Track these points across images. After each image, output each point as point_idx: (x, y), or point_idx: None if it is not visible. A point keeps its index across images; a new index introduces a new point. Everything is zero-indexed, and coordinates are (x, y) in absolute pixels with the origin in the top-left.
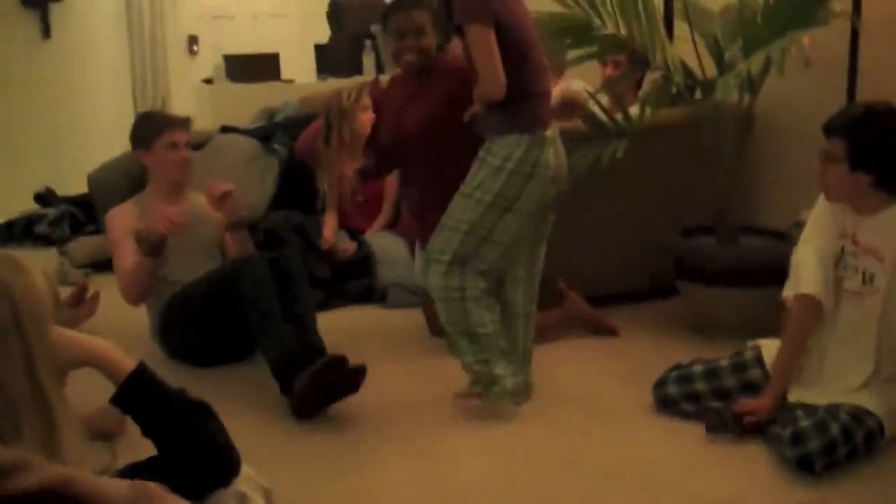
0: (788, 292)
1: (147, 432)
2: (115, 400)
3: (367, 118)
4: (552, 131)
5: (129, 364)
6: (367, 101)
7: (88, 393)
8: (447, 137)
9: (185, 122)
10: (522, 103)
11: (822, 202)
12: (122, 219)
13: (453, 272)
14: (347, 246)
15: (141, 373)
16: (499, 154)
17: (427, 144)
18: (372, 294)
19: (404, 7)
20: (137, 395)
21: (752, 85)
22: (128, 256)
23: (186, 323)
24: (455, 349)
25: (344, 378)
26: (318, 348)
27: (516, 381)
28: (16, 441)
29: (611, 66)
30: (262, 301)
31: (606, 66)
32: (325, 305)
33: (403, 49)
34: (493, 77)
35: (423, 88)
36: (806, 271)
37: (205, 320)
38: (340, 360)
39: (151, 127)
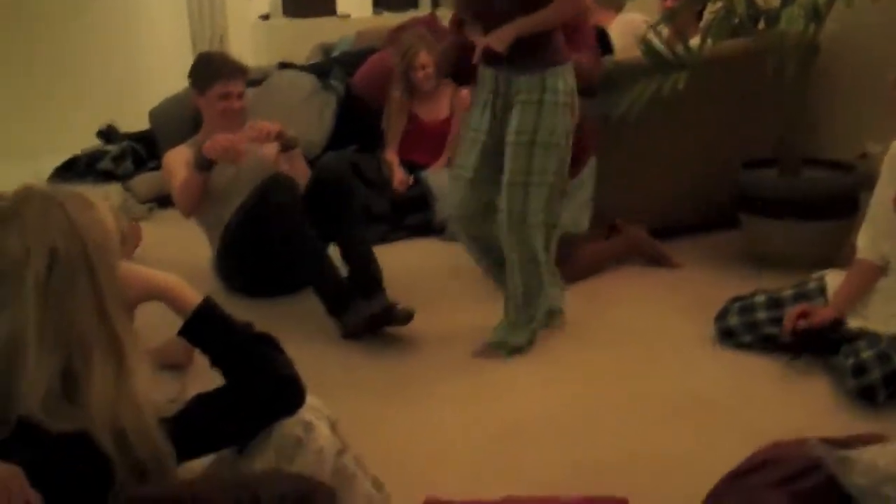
0: (859, 239)
1: (215, 363)
2: (183, 332)
3: (423, 75)
4: None
5: (196, 298)
6: (424, 58)
7: (157, 325)
8: None
9: (238, 73)
10: (557, 34)
11: (888, 155)
12: (177, 155)
13: (540, 234)
14: (405, 178)
15: (207, 306)
16: (560, 89)
17: None
18: (431, 228)
19: None
20: (204, 327)
21: (817, 15)
22: (179, 176)
23: (236, 253)
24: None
25: (391, 321)
26: (366, 276)
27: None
28: (86, 373)
29: None
30: (289, 222)
31: None
32: (384, 239)
33: None
34: None
35: None
36: (861, 235)
37: (250, 248)
38: (389, 309)
39: (206, 73)
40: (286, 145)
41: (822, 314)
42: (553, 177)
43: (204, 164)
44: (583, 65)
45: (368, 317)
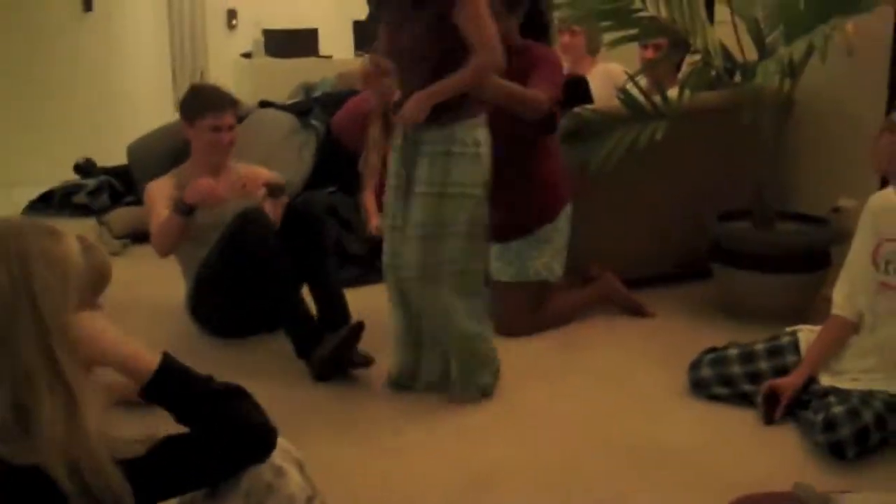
0: (835, 294)
1: (180, 421)
2: (144, 396)
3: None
4: None
5: (152, 361)
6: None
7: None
8: (514, 122)
9: (229, 106)
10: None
11: (866, 209)
12: (160, 188)
13: (467, 281)
14: (379, 222)
15: (165, 369)
16: (469, 141)
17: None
18: None
19: None
20: (164, 390)
21: (793, 70)
22: (160, 214)
23: (209, 291)
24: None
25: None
26: (334, 312)
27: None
28: (35, 408)
29: (651, 48)
30: (262, 253)
31: (647, 48)
32: (359, 281)
33: None
34: (497, 45)
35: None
36: (836, 291)
37: (223, 286)
38: (350, 335)
39: (197, 105)
40: (273, 192)
41: (791, 385)
42: (466, 226)
43: (183, 209)
44: (534, 96)
45: (332, 348)
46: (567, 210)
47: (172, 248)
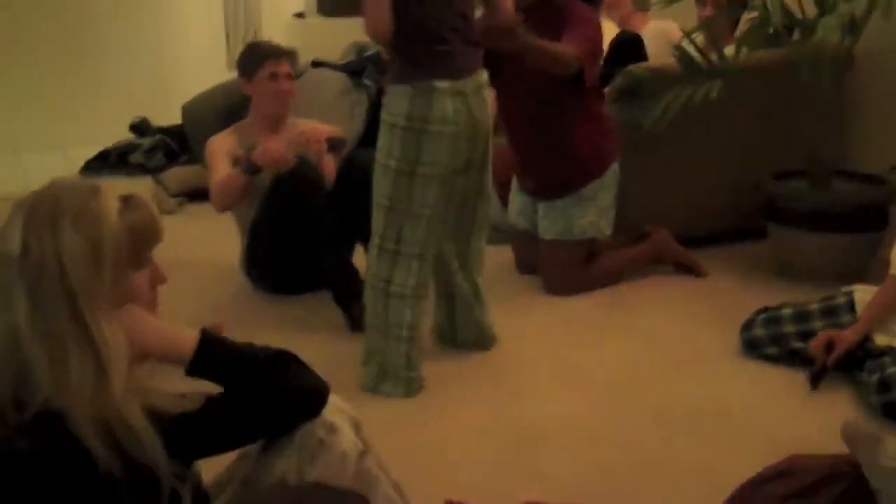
0: (893, 254)
1: (228, 392)
2: (190, 374)
3: None
4: (462, 82)
5: (191, 340)
6: None
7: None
8: (543, 81)
9: (286, 54)
10: (411, 48)
11: None
12: (222, 143)
13: (383, 259)
14: None
15: (205, 347)
16: (389, 109)
17: (532, 77)
18: None
19: None
20: (207, 366)
21: (854, 26)
22: (221, 170)
23: (262, 247)
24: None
25: None
26: None
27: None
28: (67, 366)
29: (710, 6)
30: (311, 213)
31: (705, 5)
32: None
33: None
34: (375, 13)
35: (541, 25)
36: (894, 251)
37: (276, 240)
38: None
39: (254, 57)
40: (334, 146)
41: (845, 341)
42: (385, 200)
43: (251, 170)
44: (564, 51)
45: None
46: (614, 168)
47: (232, 205)
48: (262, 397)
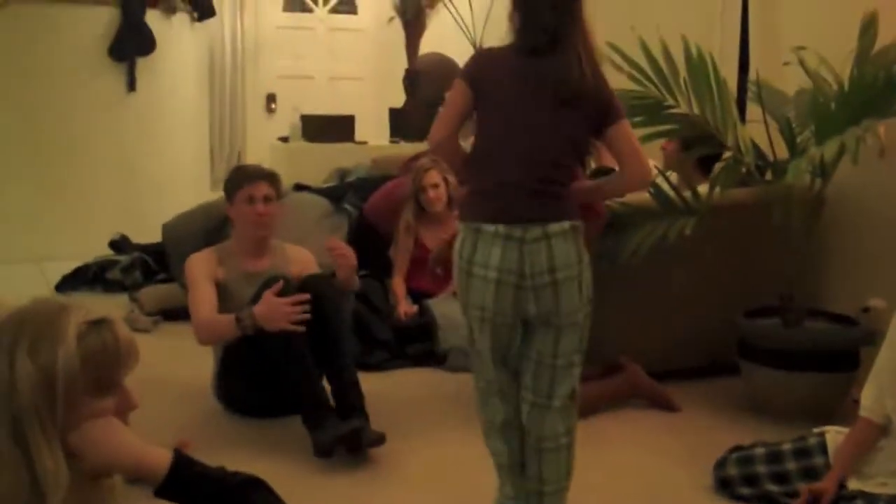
0: (863, 396)
1: None
2: (158, 496)
3: (433, 195)
4: (516, 228)
5: (164, 460)
6: (434, 177)
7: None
8: None
9: (265, 176)
10: (472, 189)
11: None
12: (202, 263)
13: (477, 398)
14: (409, 309)
15: (178, 468)
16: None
17: None
18: (433, 357)
19: None
20: (178, 490)
21: (824, 170)
22: (205, 302)
23: (234, 372)
24: None
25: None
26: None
27: None
28: (2, 486)
29: (665, 149)
30: (291, 353)
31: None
32: (385, 367)
33: None
34: (439, 121)
35: None
36: (865, 393)
37: (248, 368)
38: (357, 432)
39: (234, 180)
40: (346, 286)
41: (830, 490)
42: (467, 330)
43: (250, 328)
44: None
45: (337, 437)
46: None
47: (216, 343)
48: None
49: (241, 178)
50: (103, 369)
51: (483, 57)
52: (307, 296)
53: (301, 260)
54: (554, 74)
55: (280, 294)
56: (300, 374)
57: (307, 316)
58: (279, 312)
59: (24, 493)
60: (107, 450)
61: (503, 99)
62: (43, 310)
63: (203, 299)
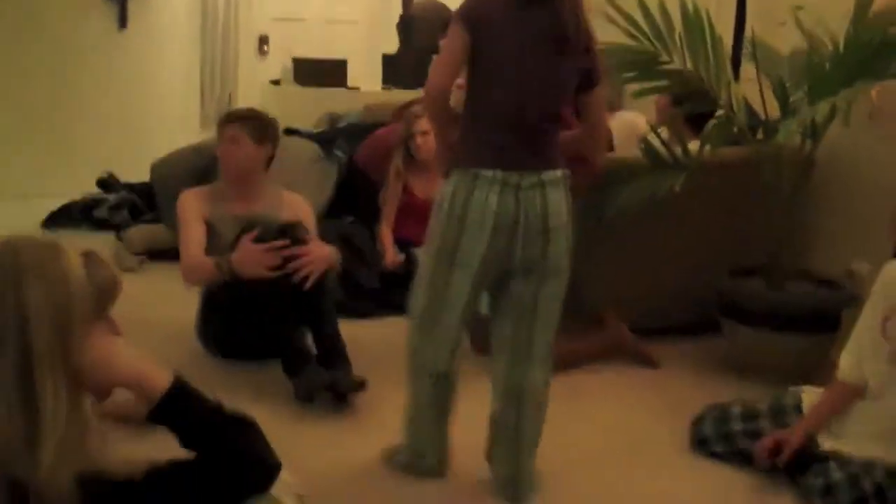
0: (842, 359)
1: (184, 444)
2: (152, 417)
3: (423, 142)
4: (514, 174)
5: (165, 380)
6: (426, 124)
7: None
8: None
9: (236, 118)
10: (468, 135)
11: (878, 279)
12: (194, 200)
13: (416, 337)
14: (396, 258)
15: (176, 391)
16: (439, 190)
17: None
18: None
19: None
20: (173, 412)
21: (815, 131)
22: (192, 243)
23: (214, 315)
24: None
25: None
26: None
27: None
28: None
29: (657, 107)
30: (269, 300)
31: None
32: (370, 314)
33: None
34: (438, 68)
35: None
36: (843, 356)
37: (229, 311)
38: (339, 379)
39: (219, 120)
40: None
41: (793, 443)
42: (425, 279)
43: (227, 273)
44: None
45: (315, 385)
46: None
47: (200, 285)
48: (219, 460)
49: (221, 119)
50: (101, 296)
51: (478, 2)
52: (284, 242)
53: (295, 207)
54: (550, 24)
55: (258, 240)
56: (278, 321)
57: (281, 261)
58: (254, 259)
59: (17, 440)
60: (112, 364)
61: (501, 46)
62: (37, 243)
63: (191, 239)
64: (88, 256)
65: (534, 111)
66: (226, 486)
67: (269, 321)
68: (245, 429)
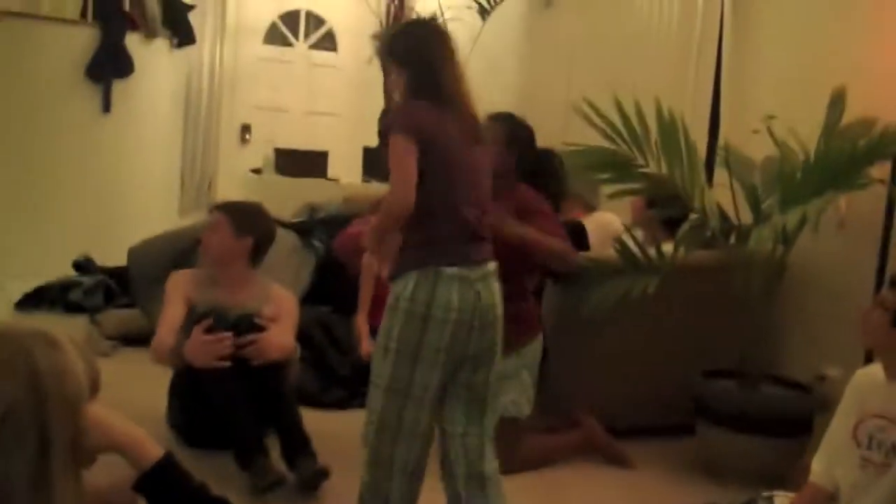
0: (814, 462)
1: None
2: (138, 487)
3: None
4: (468, 269)
5: (157, 453)
6: None
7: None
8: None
9: (223, 206)
10: (423, 237)
11: (850, 384)
12: (183, 282)
13: (383, 438)
14: (371, 348)
15: (166, 465)
16: (393, 292)
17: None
18: None
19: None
20: (159, 486)
21: (786, 238)
22: (166, 323)
23: (182, 401)
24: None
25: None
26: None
27: None
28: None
29: (632, 209)
30: (219, 391)
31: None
32: (344, 404)
33: None
34: (404, 185)
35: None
36: (815, 460)
37: (194, 399)
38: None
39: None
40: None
41: None
42: (385, 380)
43: (180, 361)
44: (566, 250)
45: (265, 483)
46: (535, 345)
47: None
48: None
49: (210, 206)
50: (94, 390)
51: (416, 109)
52: (229, 334)
53: (280, 302)
54: (468, 119)
55: (210, 330)
56: (229, 412)
57: (231, 351)
58: (202, 349)
59: None
60: (110, 426)
61: (439, 146)
62: (41, 340)
63: (166, 319)
64: (75, 346)
65: (476, 203)
66: None
67: (220, 411)
68: None
